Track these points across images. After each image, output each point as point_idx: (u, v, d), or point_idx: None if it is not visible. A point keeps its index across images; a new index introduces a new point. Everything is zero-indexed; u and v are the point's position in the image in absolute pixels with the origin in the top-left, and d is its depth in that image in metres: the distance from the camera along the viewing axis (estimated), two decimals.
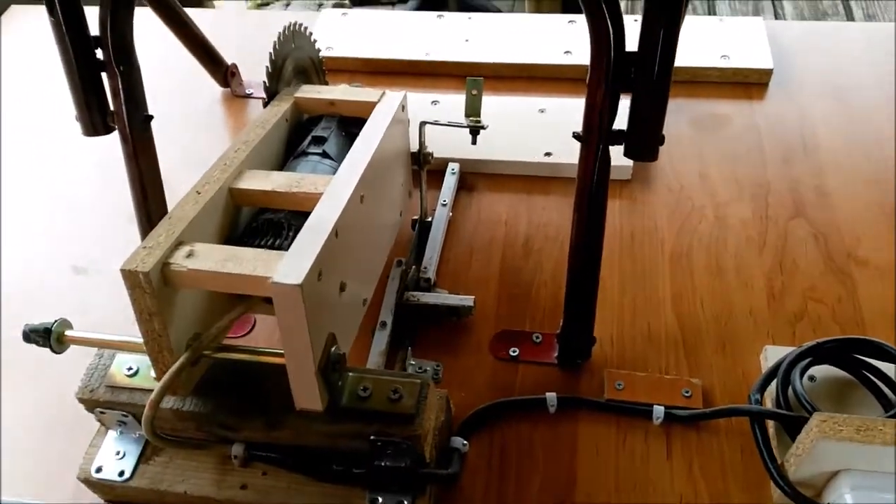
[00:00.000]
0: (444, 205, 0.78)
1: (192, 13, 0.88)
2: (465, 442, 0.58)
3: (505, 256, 0.75)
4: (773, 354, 0.61)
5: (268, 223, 0.57)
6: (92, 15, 0.58)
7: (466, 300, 0.67)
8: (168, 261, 0.48)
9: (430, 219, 0.76)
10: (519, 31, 0.99)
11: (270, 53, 0.67)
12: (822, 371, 0.59)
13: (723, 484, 0.57)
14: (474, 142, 0.70)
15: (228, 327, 0.53)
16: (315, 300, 0.47)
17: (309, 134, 0.66)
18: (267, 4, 2.42)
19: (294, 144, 0.67)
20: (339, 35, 1.00)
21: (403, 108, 0.69)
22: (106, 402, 0.55)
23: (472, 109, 0.70)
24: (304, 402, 0.50)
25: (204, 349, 0.51)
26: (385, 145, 0.63)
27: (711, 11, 2.13)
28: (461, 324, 0.68)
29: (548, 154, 0.82)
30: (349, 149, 0.61)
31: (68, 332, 0.54)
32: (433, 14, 1.04)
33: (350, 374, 0.53)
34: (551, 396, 0.61)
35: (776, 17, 1.90)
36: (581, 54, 0.93)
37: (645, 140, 0.52)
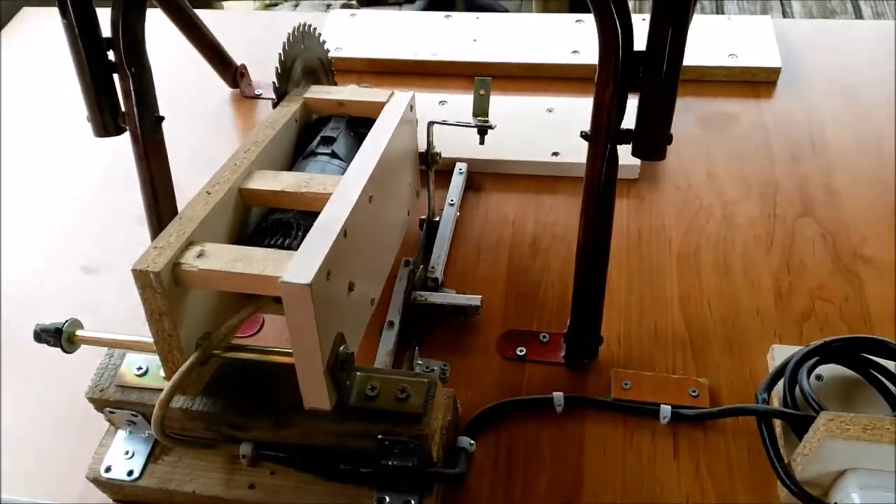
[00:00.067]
0: (452, 204, 0.78)
1: (202, 14, 0.88)
2: (472, 441, 0.58)
3: (512, 256, 0.75)
4: (780, 354, 0.61)
5: (277, 223, 0.57)
6: (104, 17, 0.59)
7: (473, 300, 0.68)
8: (179, 261, 0.48)
9: (437, 218, 0.76)
10: (527, 31, 1.00)
11: (280, 54, 0.68)
12: (829, 370, 0.59)
13: (730, 483, 0.57)
14: (482, 142, 0.71)
15: (238, 327, 0.53)
16: (324, 300, 0.47)
17: (318, 134, 0.67)
18: (275, 5, 2.43)
19: (303, 145, 0.67)
20: (348, 36, 1.01)
21: (412, 108, 0.69)
22: (116, 402, 0.55)
23: (480, 109, 0.70)
24: (313, 401, 0.50)
25: (213, 349, 0.51)
26: (393, 145, 0.63)
27: (719, 10, 2.13)
28: (468, 323, 0.69)
29: (555, 154, 0.82)
30: (358, 149, 0.61)
31: (79, 332, 0.55)
32: (441, 14, 1.04)
33: (358, 373, 0.53)
34: (558, 396, 0.61)
35: (784, 15, 1.90)
36: (589, 54, 0.93)
37: (653, 139, 0.52)
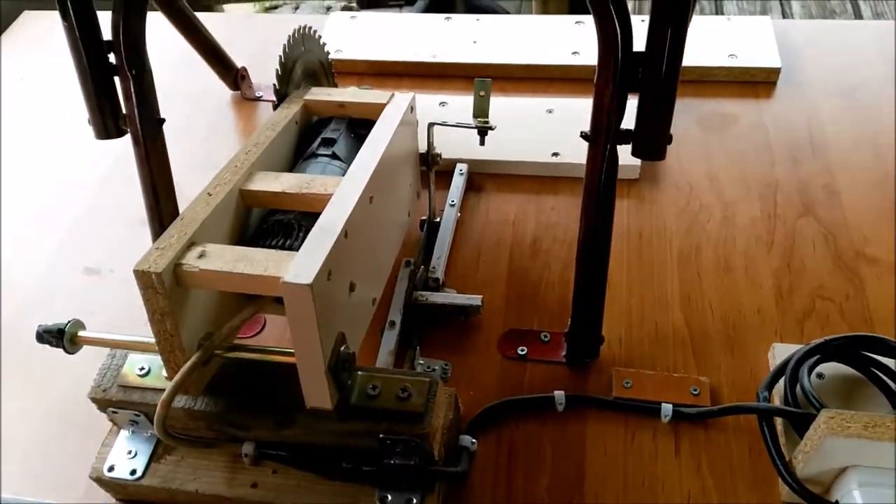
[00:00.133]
0: (453, 205, 0.78)
1: (203, 17, 0.88)
2: (474, 440, 0.58)
3: (513, 256, 0.75)
4: (781, 352, 0.61)
5: (278, 224, 0.58)
6: (105, 19, 0.59)
7: (474, 300, 0.68)
8: (180, 261, 0.49)
9: (438, 219, 0.76)
10: (526, 33, 1.00)
11: (280, 56, 0.68)
12: (830, 368, 0.59)
13: (731, 481, 0.57)
14: (482, 143, 0.71)
15: (240, 327, 0.53)
16: (325, 300, 0.47)
17: (319, 136, 0.67)
18: (276, 8, 2.43)
19: (304, 146, 0.67)
20: (348, 38, 1.01)
21: (412, 109, 0.70)
22: (118, 402, 0.56)
23: (480, 110, 0.70)
24: (314, 400, 0.50)
25: (215, 349, 0.52)
26: (394, 147, 0.63)
27: (719, 11, 2.13)
28: (469, 323, 0.69)
29: (556, 154, 0.83)
30: (358, 150, 0.61)
31: (81, 333, 0.55)
32: (441, 16, 1.05)
33: (359, 372, 0.54)
34: (559, 395, 0.62)
35: (784, 16, 1.90)
36: (589, 55, 0.94)
37: (653, 139, 0.52)
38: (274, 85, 0.68)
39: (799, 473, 0.52)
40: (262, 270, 0.48)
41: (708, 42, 0.94)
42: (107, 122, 0.64)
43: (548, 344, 0.67)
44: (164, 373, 0.53)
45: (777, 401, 0.58)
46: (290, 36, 0.69)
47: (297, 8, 2.42)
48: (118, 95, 0.62)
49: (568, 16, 1.03)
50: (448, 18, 1.04)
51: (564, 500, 0.57)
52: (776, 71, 0.92)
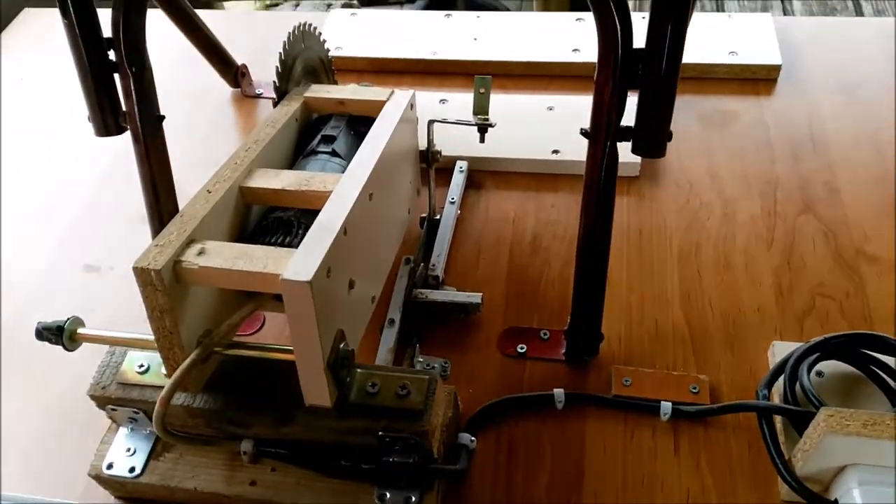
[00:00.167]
0: (453, 203, 0.78)
1: (203, 14, 0.88)
2: (473, 438, 0.58)
3: (513, 254, 0.75)
4: (780, 350, 0.61)
5: (278, 221, 0.58)
6: (105, 17, 0.59)
7: (474, 297, 0.68)
8: (179, 258, 0.49)
9: (438, 217, 0.76)
10: (527, 30, 1.00)
11: (280, 53, 0.68)
12: (829, 366, 0.59)
13: (730, 479, 0.57)
14: (482, 140, 0.71)
15: (239, 324, 0.53)
16: (324, 297, 0.47)
17: (318, 133, 0.67)
18: (276, 5, 2.43)
19: (304, 143, 0.67)
20: (348, 35, 1.01)
21: (412, 106, 0.70)
22: (117, 399, 0.56)
23: (480, 107, 0.70)
24: (313, 398, 0.50)
25: (214, 346, 0.52)
26: (393, 144, 0.63)
27: (720, 8, 2.13)
28: (469, 321, 0.69)
29: (556, 151, 0.83)
30: (358, 147, 0.61)
31: (80, 330, 0.55)
32: (441, 13, 1.04)
33: (358, 370, 0.54)
34: (559, 393, 0.62)
35: (785, 13, 1.90)
36: (589, 52, 0.93)
37: (652, 136, 0.52)
38: (274, 82, 0.68)
39: (798, 472, 0.52)
40: (262, 267, 0.48)
41: (709, 39, 0.94)
42: (107, 120, 0.64)
43: (547, 342, 0.67)
44: (164, 370, 0.53)
45: (776, 399, 0.58)
46: (290, 33, 0.69)
47: (297, 5, 2.42)
48: (118, 93, 0.62)
49: (568, 13, 1.03)
50: (448, 16, 1.04)
51: (564, 498, 0.57)
52: (777, 68, 0.92)
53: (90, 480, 0.58)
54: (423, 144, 0.72)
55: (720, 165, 0.82)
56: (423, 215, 0.75)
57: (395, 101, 0.68)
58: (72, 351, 0.55)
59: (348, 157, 0.63)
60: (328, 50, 0.77)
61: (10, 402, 0.66)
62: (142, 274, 0.47)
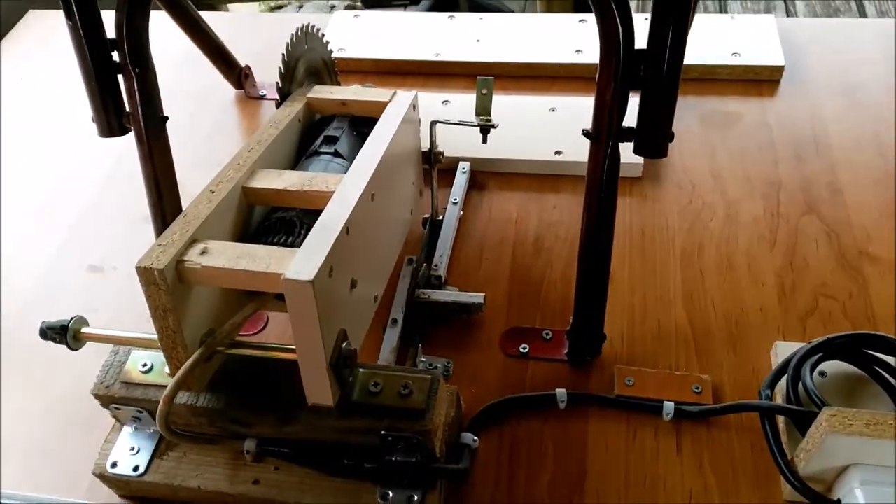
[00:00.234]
0: (455, 203, 0.78)
1: (207, 16, 0.89)
2: (476, 438, 0.58)
3: (515, 254, 0.75)
4: (783, 350, 0.61)
5: (280, 221, 0.58)
6: (108, 18, 0.59)
7: (477, 297, 0.68)
8: (182, 258, 0.49)
9: (440, 217, 0.76)
10: (530, 31, 1.00)
11: (283, 55, 0.68)
12: (832, 367, 0.59)
13: (733, 479, 0.57)
14: (485, 140, 0.71)
15: (242, 324, 0.54)
16: (326, 296, 0.47)
17: (321, 133, 0.67)
18: (281, 7, 2.44)
19: (306, 144, 0.67)
20: (351, 36, 1.01)
21: (414, 107, 0.70)
22: (121, 398, 0.56)
23: (483, 108, 0.70)
24: (316, 397, 0.50)
25: (217, 345, 0.52)
26: (396, 144, 0.63)
27: (723, 9, 2.13)
28: (472, 321, 0.69)
29: (558, 152, 0.83)
30: (361, 148, 0.61)
31: (84, 330, 0.55)
32: (444, 15, 1.05)
33: (361, 369, 0.54)
34: (561, 393, 0.62)
35: (788, 14, 1.90)
36: (592, 53, 0.93)
37: (654, 137, 0.52)
38: (277, 83, 0.69)
39: (801, 472, 0.52)
40: (264, 267, 0.48)
41: (711, 40, 0.94)
42: (110, 120, 0.64)
43: (550, 342, 0.67)
44: (167, 369, 0.53)
45: (779, 399, 0.58)
46: (292, 34, 0.69)
47: (300, 7, 2.42)
48: (122, 93, 0.63)
49: (571, 14, 1.03)
50: (451, 17, 1.04)
51: (566, 497, 0.57)
52: (779, 69, 0.92)
53: (94, 479, 0.58)
54: (425, 145, 0.72)
55: (723, 166, 0.82)
56: (426, 216, 0.76)
57: (398, 101, 0.68)
58: (76, 350, 0.55)
59: (351, 158, 0.63)
60: (331, 51, 0.77)
61: (15, 401, 0.67)
62: (145, 273, 0.47)
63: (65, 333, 0.54)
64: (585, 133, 0.53)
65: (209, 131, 0.93)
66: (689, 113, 0.88)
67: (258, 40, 1.01)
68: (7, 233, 0.83)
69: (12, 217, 0.84)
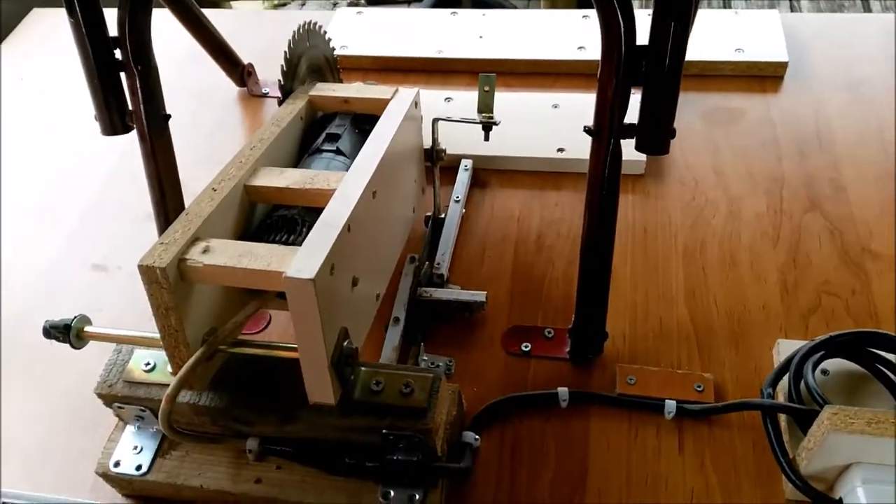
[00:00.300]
0: (457, 201, 0.78)
1: (210, 14, 0.89)
2: (477, 436, 0.58)
3: (517, 252, 0.75)
4: (785, 348, 0.61)
5: (282, 219, 0.58)
6: (111, 16, 0.59)
7: (479, 296, 0.68)
8: (184, 256, 0.49)
9: (443, 215, 0.76)
10: (533, 28, 1.00)
11: (285, 52, 0.68)
12: (835, 365, 0.59)
13: (735, 478, 0.57)
14: (487, 138, 0.71)
15: (244, 322, 0.54)
16: (327, 294, 0.47)
17: (323, 131, 0.67)
18: (284, 5, 2.43)
19: (309, 142, 0.67)
20: (354, 34, 1.01)
21: (416, 104, 0.70)
22: (124, 397, 0.56)
23: (485, 105, 0.70)
24: (317, 395, 0.50)
25: (219, 344, 0.52)
26: (397, 142, 0.63)
27: (727, 4, 2.12)
28: (474, 319, 0.69)
29: (561, 150, 0.83)
30: (363, 146, 0.61)
31: (87, 328, 0.55)
32: (447, 11, 1.04)
33: (362, 368, 0.54)
34: (563, 391, 0.62)
35: (792, 9, 1.89)
36: (595, 50, 0.92)
37: (656, 134, 0.52)
38: (279, 81, 0.69)
39: (803, 470, 0.52)
40: (266, 265, 0.48)
41: (715, 36, 0.94)
42: (113, 118, 0.64)
43: (552, 340, 0.67)
44: (169, 368, 0.53)
45: (781, 397, 0.58)
46: (294, 32, 0.69)
47: (303, 4, 2.42)
48: (124, 92, 0.63)
49: (574, 10, 1.02)
50: (454, 14, 1.04)
51: (567, 496, 0.57)
52: (783, 65, 0.91)
53: (97, 478, 0.58)
54: (427, 143, 0.72)
55: (726, 163, 0.82)
56: (428, 214, 0.76)
57: (399, 99, 0.68)
58: (79, 349, 0.55)
59: (353, 156, 0.63)
60: (333, 48, 0.77)
61: (18, 401, 0.67)
62: (147, 272, 0.47)
63: (68, 332, 0.55)
64: (587, 130, 0.53)
65: (212, 129, 0.93)
66: (692, 109, 0.88)
67: (261, 38, 1.01)
68: (10, 231, 0.83)
69: (15, 215, 0.85)
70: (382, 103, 0.67)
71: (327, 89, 0.70)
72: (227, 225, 0.55)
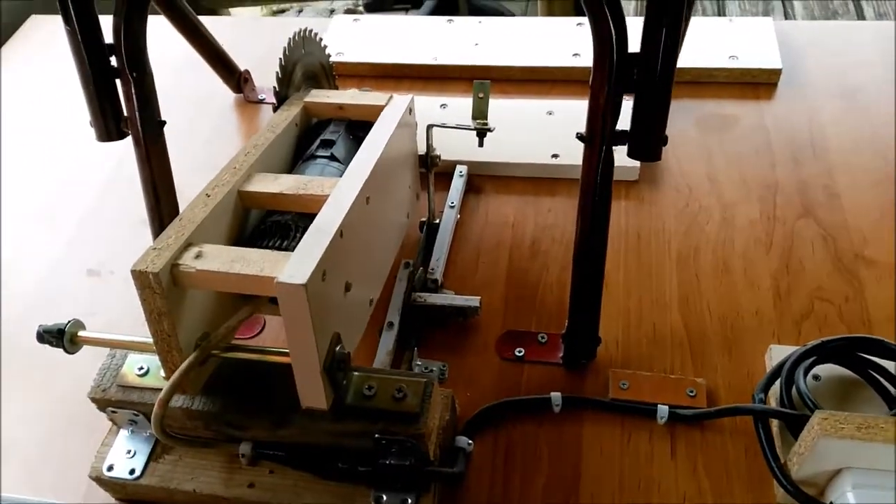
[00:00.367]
0: (452, 207, 0.79)
1: (208, 21, 0.89)
2: (471, 441, 0.58)
3: (512, 258, 0.75)
4: (778, 354, 0.61)
5: (275, 225, 0.58)
6: (106, 23, 0.60)
7: (472, 301, 0.68)
8: (177, 262, 0.49)
9: (437, 221, 0.76)
10: (528, 34, 1.00)
11: (280, 59, 0.68)
12: (827, 370, 0.59)
13: (727, 483, 0.57)
14: (481, 144, 0.71)
15: (236, 327, 0.54)
16: (319, 300, 0.48)
17: (318, 137, 0.67)
18: (283, 12, 2.44)
19: (303, 148, 0.68)
20: (351, 41, 1.02)
21: (411, 111, 0.70)
22: (117, 402, 0.56)
23: (479, 112, 0.70)
24: (310, 400, 0.50)
25: (212, 349, 0.52)
26: (391, 148, 0.64)
27: (721, 11, 2.13)
28: (467, 324, 0.69)
29: (555, 156, 0.83)
30: (357, 152, 0.61)
31: (81, 333, 0.55)
32: (443, 19, 1.05)
33: (355, 373, 0.54)
34: (556, 396, 0.62)
35: (786, 16, 1.89)
36: (589, 57, 0.93)
37: (648, 140, 0.52)
38: (274, 87, 0.69)
39: (794, 475, 0.52)
40: (258, 271, 0.49)
41: (709, 43, 0.94)
42: (108, 125, 0.64)
43: (545, 345, 0.67)
44: (163, 373, 0.53)
45: (773, 402, 0.58)
46: (290, 38, 0.69)
47: (300, 11, 2.43)
48: (119, 98, 0.63)
49: (569, 17, 1.03)
50: (450, 21, 1.04)
51: (560, 501, 0.57)
52: (777, 72, 0.92)
53: (91, 482, 0.58)
54: (422, 149, 0.72)
55: (720, 170, 0.82)
56: (423, 219, 0.76)
57: (394, 105, 0.68)
58: (72, 353, 0.55)
59: (347, 162, 0.63)
60: (329, 55, 0.77)
61: (12, 405, 0.67)
62: (140, 277, 0.48)
63: (61, 337, 0.55)
64: (579, 136, 0.54)
65: (208, 136, 0.93)
66: (686, 116, 0.89)
67: (259, 44, 1.01)
68: (8, 237, 0.83)
69: (13, 221, 0.85)
70: (377, 110, 0.68)
71: (322, 96, 0.71)
72: (221, 230, 0.56)
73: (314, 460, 0.54)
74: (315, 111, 0.70)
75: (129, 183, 0.77)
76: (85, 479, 0.58)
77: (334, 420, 0.52)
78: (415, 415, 0.52)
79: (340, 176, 0.59)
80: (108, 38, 0.60)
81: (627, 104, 0.51)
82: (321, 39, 0.75)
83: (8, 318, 0.74)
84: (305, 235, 0.51)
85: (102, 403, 0.57)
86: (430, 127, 0.71)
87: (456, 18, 1.05)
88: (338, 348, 0.51)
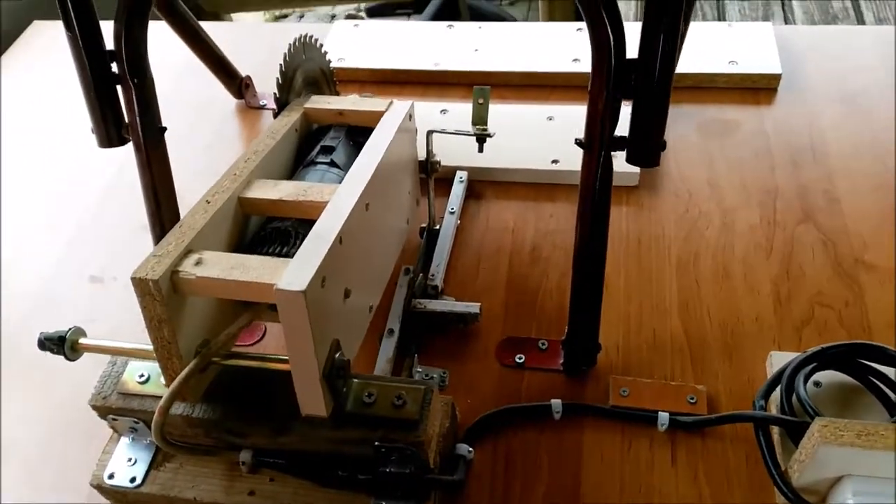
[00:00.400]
0: (452, 213, 0.79)
1: (210, 27, 0.89)
2: (471, 448, 0.58)
3: (512, 264, 0.75)
4: (778, 360, 0.61)
5: (275, 231, 0.58)
6: (107, 29, 0.60)
7: (473, 307, 0.68)
8: (177, 269, 0.49)
9: (437, 227, 0.76)
10: (528, 40, 1.00)
11: (281, 65, 0.69)
12: (827, 377, 0.59)
13: (728, 490, 0.57)
14: (481, 150, 0.71)
15: (237, 334, 0.54)
16: (319, 306, 0.48)
17: (318, 143, 0.67)
18: (284, 17, 2.45)
19: (303, 154, 0.68)
20: (352, 46, 1.02)
21: (410, 117, 0.70)
22: (118, 409, 0.56)
23: (479, 118, 0.70)
24: (309, 407, 0.50)
25: (213, 356, 0.52)
26: (391, 154, 0.64)
27: (721, 16, 2.12)
28: (468, 331, 0.69)
29: (555, 161, 0.83)
30: (357, 158, 0.61)
31: (82, 340, 0.55)
32: (443, 24, 1.05)
33: (355, 380, 0.54)
34: (556, 403, 0.62)
35: (786, 21, 1.89)
36: (589, 62, 0.93)
37: (646, 146, 0.52)
38: (275, 93, 0.69)
39: (795, 483, 0.52)
40: (257, 277, 0.49)
41: (708, 48, 0.94)
42: (109, 131, 0.64)
43: (545, 352, 0.67)
44: (163, 380, 0.53)
45: (773, 409, 0.58)
46: (290, 44, 0.70)
47: (301, 17, 2.43)
48: (121, 104, 0.63)
49: (569, 23, 1.03)
50: (450, 27, 1.04)
51: None
52: (777, 77, 0.92)
53: (92, 490, 0.58)
54: (422, 155, 0.72)
55: (720, 175, 0.82)
56: (423, 225, 0.76)
57: (394, 111, 0.68)
58: (73, 361, 0.55)
59: (347, 168, 0.63)
60: (329, 61, 0.77)
61: (14, 411, 0.67)
62: (140, 284, 0.48)
63: (62, 344, 0.55)
64: (578, 142, 0.54)
65: (209, 141, 0.93)
66: (686, 121, 0.89)
67: (260, 50, 1.02)
68: (9, 242, 0.83)
69: (14, 226, 0.85)
70: (377, 115, 0.68)
71: (322, 102, 0.71)
72: (221, 237, 0.56)
73: (314, 468, 0.54)
74: (315, 117, 0.70)
75: (130, 189, 0.77)
76: (85, 486, 0.58)
77: (334, 427, 0.52)
78: (414, 422, 0.52)
79: (340, 182, 0.59)
80: (109, 44, 0.61)
81: (627, 110, 0.51)
82: (322, 45, 0.75)
83: (10, 323, 0.74)
84: (305, 242, 0.51)
85: (103, 411, 0.57)
86: (430, 132, 0.71)
87: (456, 24, 1.05)
88: (337, 355, 0.50)
